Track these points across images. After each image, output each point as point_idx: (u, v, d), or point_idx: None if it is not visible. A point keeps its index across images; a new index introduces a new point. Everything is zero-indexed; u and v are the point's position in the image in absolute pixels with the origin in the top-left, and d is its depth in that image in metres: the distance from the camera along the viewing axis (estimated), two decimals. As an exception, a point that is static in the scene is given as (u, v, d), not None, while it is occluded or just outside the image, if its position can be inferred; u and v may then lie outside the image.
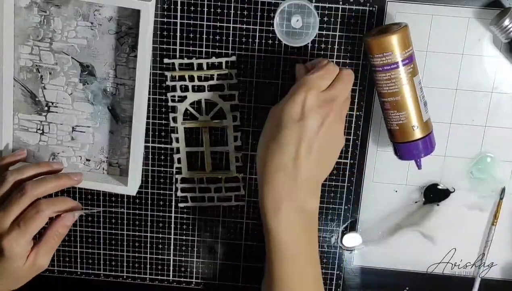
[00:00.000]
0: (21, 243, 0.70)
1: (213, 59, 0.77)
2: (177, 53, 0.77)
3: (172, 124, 0.79)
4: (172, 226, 0.85)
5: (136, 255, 0.86)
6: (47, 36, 0.76)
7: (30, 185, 0.71)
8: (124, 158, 0.81)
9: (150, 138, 0.81)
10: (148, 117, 0.80)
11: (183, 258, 0.86)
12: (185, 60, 0.77)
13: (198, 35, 0.76)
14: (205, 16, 0.76)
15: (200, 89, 0.78)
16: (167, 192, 0.83)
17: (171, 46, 0.77)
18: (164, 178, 0.82)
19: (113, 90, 0.78)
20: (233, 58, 0.77)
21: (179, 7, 0.76)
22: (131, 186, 0.80)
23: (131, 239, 0.85)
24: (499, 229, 0.82)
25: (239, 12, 0.75)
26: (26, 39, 0.77)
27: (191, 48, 0.77)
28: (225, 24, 0.76)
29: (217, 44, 0.77)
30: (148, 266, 0.87)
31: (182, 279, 0.87)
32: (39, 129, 0.80)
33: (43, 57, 0.77)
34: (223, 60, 0.77)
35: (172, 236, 0.85)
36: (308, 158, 0.65)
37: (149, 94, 0.78)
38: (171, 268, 0.87)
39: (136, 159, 0.79)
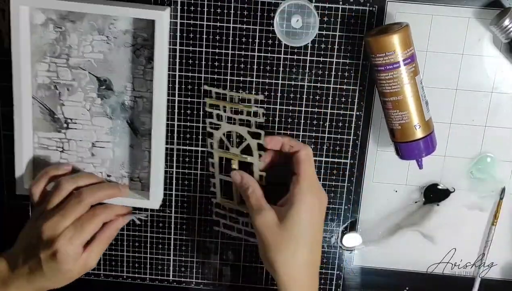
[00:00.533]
0: (75, 244, 0.72)
1: (243, 94, 0.76)
2: (177, 53, 0.77)
3: (209, 149, 0.79)
4: (172, 226, 0.85)
5: (136, 255, 0.86)
6: (64, 52, 0.76)
7: (87, 192, 0.74)
8: (145, 172, 0.80)
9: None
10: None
11: (183, 258, 0.86)
12: (221, 90, 0.76)
13: (198, 35, 0.76)
14: (205, 16, 0.76)
15: (232, 121, 0.77)
16: (167, 192, 0.83)
17: (171, 46, 0.77)
18: (164, 178, 0.82)
19: (131, 104, 0.78)
20: (261, 96, 0.76)
21: (179, 7, 0.76)
22: (154, 200, 0.79)
23: (131, 239, 0.85)
24: (499, 229, 0.82)
25: (239, 12, 0.75)
26: (43, 56, 0.76)
27: (191, 48, 0.77)
28: (225, 24, 0.76)
29: (217, 44, 0.76)
30: (148, 266, 0.87)
31: (182, 279, 0.87)
32: (59, 147, 0.80)
33: (61, 73, 0.77)
34: (251, 97, 0.76)
35: (172, 236, 0.85)
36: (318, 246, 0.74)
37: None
38: (171, 268, 0.87)
39: (157, 172, 0.78)
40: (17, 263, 0.73)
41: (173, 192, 0.83)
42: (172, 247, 0.86)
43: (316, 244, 0.73)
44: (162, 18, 0.71)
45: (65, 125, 0.79)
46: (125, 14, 0.72)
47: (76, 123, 0.79)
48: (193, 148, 0.81)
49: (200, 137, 0.80)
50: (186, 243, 0.85)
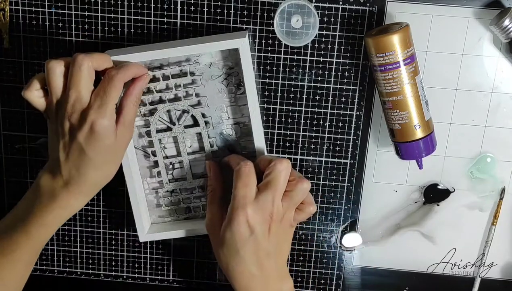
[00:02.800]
0: (107, 112, 0.68)
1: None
2: (177, 53, 0.77)
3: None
4: (172, 226, 0.85)
5: (136, 255, 0.86)
6: (155, 99, 0.77)
7: (80, 56, 0.69)
8: None
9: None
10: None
11: (183, 258, 0.86)
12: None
13: (198, 35, 0.76)
14: (205, 16, 0.76)
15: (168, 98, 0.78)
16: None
17: (171, 46, 0.77)
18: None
19: (229, 132, 0.78)
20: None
21: (179, 7, 0.76)
22: None
23: (131, 239, 0.85)
24: (499, 229, 0.82)
25: (239, 12, 0.75)
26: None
27: (191, 48, 0.77)
28: (225, 24, 0.76)
29: (217, 44, 0.77)
30: (148, 266, 0.87)
31: (182, 279, 0.87)
32: (169, 190, 0.81)
33: (156, 119, 0.77)
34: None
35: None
36: (270, 259, 0.72)
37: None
38: (171, 268, 0.87)
39: None
40: (58, 162, 0.70)
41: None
42: (172, 247, 0.86)
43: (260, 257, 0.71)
44: (244, 44, 0.72)
45: (170, 166, 0.80)
46: (208, 50, 0.73)
47: (180, 162, 0.79)
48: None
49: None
50: (186, 243, 0.85)
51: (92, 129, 0.67)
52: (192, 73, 0.76)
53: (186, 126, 0.78)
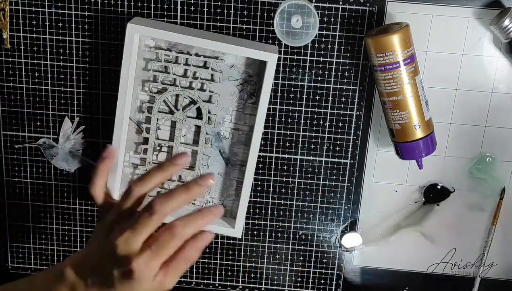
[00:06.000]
0: (152, 266, 0.64)
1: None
2: (177, 53, 0.77)
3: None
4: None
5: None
6: (167, 79, 0.77)
7: (159, 203, 0.65)
8: (230, 200, 0.81)
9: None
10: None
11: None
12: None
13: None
14: (205, 16, 0.76)
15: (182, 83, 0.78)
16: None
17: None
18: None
19: (226, 134, 0.79)
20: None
21: (179, 7, 0.76)
22: (238, 229, 0.79)
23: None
24: (499, 229, 0.82)
25: (239, 12, 0.75)
26: (146, 81, 0.77)
27: (191, 48, 0.77)
28: (225, 24, 0.76)
29: (217, 44, 0.77)
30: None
31: (182, 279, 0.87)
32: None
33: (161, 99, 0.77)
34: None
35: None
36: None
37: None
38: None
39: (245, 203, 0.79)
40: (86, 274, 0.66)
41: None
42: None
43: None
44: (274, 59, 0.72)
45: (158, 147, 0.80)
46: (240, 53, 0.73)
47: (168, 147, 0.80)
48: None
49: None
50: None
51: (130, 274, 0.64)
52: (213, 69, 0.76)
53: (188, 116, 0.78)
